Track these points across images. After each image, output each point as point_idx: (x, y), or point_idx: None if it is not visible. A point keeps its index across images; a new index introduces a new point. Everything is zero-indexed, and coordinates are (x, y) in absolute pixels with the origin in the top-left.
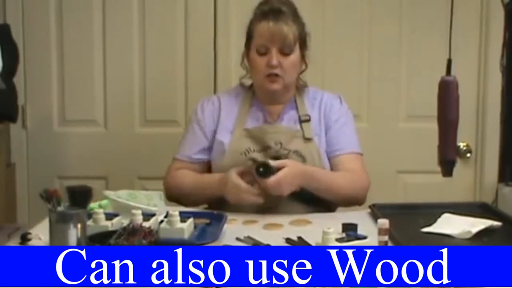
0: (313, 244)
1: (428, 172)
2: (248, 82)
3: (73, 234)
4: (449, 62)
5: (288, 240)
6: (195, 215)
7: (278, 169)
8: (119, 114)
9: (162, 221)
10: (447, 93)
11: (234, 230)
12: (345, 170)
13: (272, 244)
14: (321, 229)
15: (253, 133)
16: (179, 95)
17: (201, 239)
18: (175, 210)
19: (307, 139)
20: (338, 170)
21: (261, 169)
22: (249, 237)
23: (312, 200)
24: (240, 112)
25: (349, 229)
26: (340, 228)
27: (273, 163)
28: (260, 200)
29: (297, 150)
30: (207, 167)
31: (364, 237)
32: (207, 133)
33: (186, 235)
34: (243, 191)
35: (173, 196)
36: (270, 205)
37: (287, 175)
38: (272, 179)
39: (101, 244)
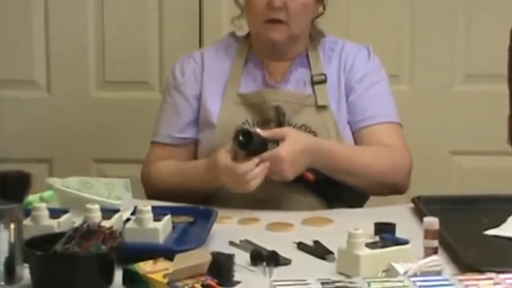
0: (335, 250)
1: (492, 154)
2: (242, 31)
3: (4, 238)
4: None
5: (300, 245)
6: (174, 211)
7: (277, 142)
8: (66, 72)
9: (128, 220)
10: None
11: (228, 232)
12: (377, 145)
13: (279, 250)
14: (345, 230)
15: (250, 100)
16: (151, 47)
17: (182, 244)
18: (147, 205)
19: (321, 107)
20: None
21: (240, 138)
22: (247, 241)
23: (333, 190)
24: (232, 71)
25: (384, 231)
26: (371, 229)
27: (266, 132)
28: (263, 175)
29: (305, 124)
30: (196, 153)
31: (405, 242)
32: (191, 100)
33: (161, 239)
34: (236, 174)
35: (153, 196)
36: (270, 196)
37: (290, 149)
38: (265, 155)
39: (44, 251)
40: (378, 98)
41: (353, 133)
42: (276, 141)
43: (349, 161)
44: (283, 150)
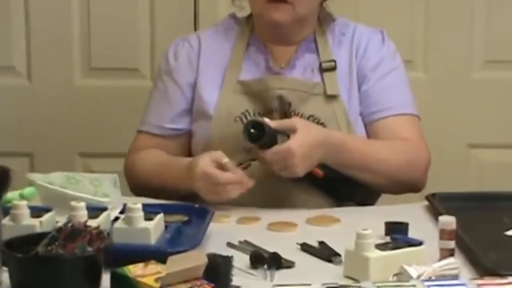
0: (342, 252)
1: None
2: (243, 12)
3: None
4: None
5: (304, 246)
6: (167, 209)
7: (287, 135)
8: (49, 58)
9: (117, 219)
10: None
11: (225, 232)
12: (393, 139)
13: (281, 252)
14: (353, 230)
15: (251, 88)
16: (142, 30)
17: (175, 245)
18: (137, 202)
19: (330, 97)
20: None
21: (252, 131)
22: (246, 242)
23: (343, 187)
24: (232, 56)
25: (396, 231)
26: (382, 229)
27: (273, 123)
28: (248, 185)
29: (312, 115)
30: (189, 145)
31: (419, 243)
32: (185, 88)
33: (152, 239)
34: (215, 182)
35: (136, 189)
36: (273, 194)
37: (302, 142)
38: (277, 149)
39: (24, 253)
40: (393, 87)
41: (365, 125)
42: (286, 133)
43: (362, 156)
44: (294, 144)
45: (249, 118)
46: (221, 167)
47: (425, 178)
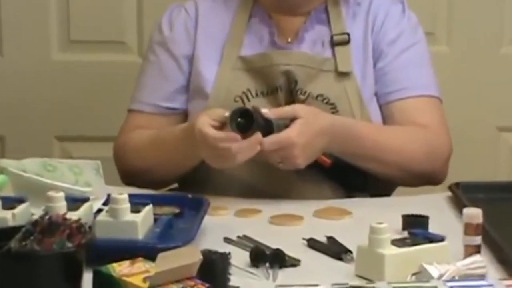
0: (354, 248)
1: None
2: None
3: None
4: None
5: (311, 242)
6: (157, 200)
7: (286, 125)
8: (22, 29)
9: (100, 211)
10: None
11: (222, 225)
12: (410, 124)
13: (285, 248)
14: (366, 223)
15: (254, 64)
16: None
17: (166, 241)
18: (122, 192)
19: (342, 74)
20: (398, 124)
21: (239, 120)
22: (246, 237)
23: (353, 176)
24: (232, 28)
25: (415, 225)
26: (398, 223)
27: (272, 111)
28: (254, 151)
29: (322, 94)
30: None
31: (440, 239)
32: (182, 61)
33: (140, 234)
34: (215, 144)
35: (128, 174)
36: (278, 183)
37: (303, 131)
38: (274, 139)
39: None
40: (413, 64)
41: (380, 107)
42: (284, 122)
43: (374, 145)
44: (294, 133)
45: (250, 98)
46: (223, 126)
47: (445, 169)
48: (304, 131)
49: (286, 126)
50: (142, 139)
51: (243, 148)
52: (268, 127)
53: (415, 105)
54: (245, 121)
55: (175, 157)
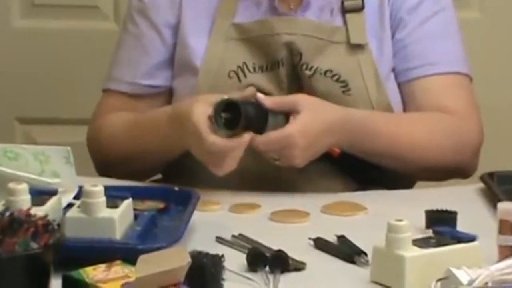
0: (368, 250)
1: None
2: None
3: None
4: None
5: (318, 242)
6: (138, 193)
7: (287, 117)
8: None
9: (70, 206)
10: None
11: (215, 223)
12: (434, 110)
13: (288, 250)
14: (383, 220)
15: (250, 33)
16: None
17: (148, 241)
18: (97, 184)
19: (355, 46)
20: (420, 109)
21: (222, 114)
22: (242, 237)
23: (367, 168)
24: None
25: (441, 222)
26: (421, 220)
27: (269, 100)
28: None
29: (331, 69)
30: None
31: (471, 238)
32: (164, 30)
33: (118, 233)
34: (205, 142)
35: (103, 163)
36: (280, 175)
37: (306, 129)
38: (271, 138)
39: None
40: (438, 36)
41: (399, 85)
42: (284, 114)
43: (393, 142)
44: (296, 131)
45: (247, 73)
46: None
47: (475, 161)
48: (308, 130)
49: (286, 117)
50: (119, 123)
51: (229, 152)
52: (262, 119)
53: (440, 84)
54: (232, 115)
55: (157, 146)
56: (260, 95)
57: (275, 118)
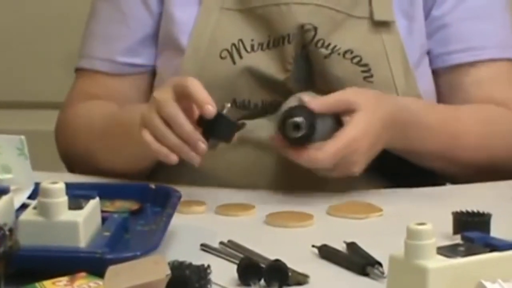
0: (384, 260)
1: None
2: None
3: None
4: None
5: (324, 250)
6: (107, 191)
7: (338, 119)
8: None
9: (25, 207)
10: None
11: (199, 227)
12: (483, 102)
13: (288, 260)
14: (402, 224)
15: (250, 3)
16: None
17: (119, 249)
18: (57, 180)
19: (380, 24)
20: (468, 102)
21: (291, 122)
22: (232, 244)
23: (393, 161)
24: None
25: (471, 226)
26: (448, 223)
27: (316, 103)
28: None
29: (351, 50)
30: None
31: (508, 246)
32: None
33: (82, 239)
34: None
35: (68, 159)
36: (282, 170)
37: (366, 132)
38: (331, 149)
39: None
40: (485, 14)
41: (434, 72)
42: (334, 116)
43: (448, 140)
44: (359, 133)
45: (244, 52)
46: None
47: None
48: (369, 131)
49: (337, 122)
50: (91, 116)
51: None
52: (312, 126)
53: (489, 72)
54: (303, 127)
55: (129, 153)
56: (307, 98)
57: (323, 122)
